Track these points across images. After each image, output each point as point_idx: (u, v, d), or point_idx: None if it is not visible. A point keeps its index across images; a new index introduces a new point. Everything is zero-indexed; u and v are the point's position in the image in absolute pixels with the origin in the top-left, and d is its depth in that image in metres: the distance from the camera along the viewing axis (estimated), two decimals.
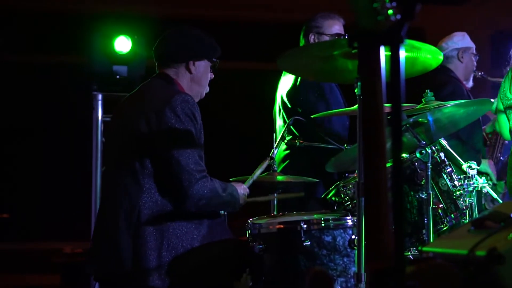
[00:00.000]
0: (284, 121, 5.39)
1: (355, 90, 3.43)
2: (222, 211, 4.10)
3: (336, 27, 5.57)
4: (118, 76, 7.67)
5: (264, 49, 8.46)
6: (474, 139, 6.04)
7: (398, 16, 2.01)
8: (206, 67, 4.26)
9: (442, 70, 6.18)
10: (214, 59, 4.29)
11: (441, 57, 3.75)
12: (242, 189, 4.16)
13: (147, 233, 3.82)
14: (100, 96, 7.88)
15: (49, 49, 11.22)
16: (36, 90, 11.49)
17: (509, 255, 2.28)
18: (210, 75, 4.32)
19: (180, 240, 3.86)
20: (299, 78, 5.38)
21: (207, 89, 4.33)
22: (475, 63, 6.53)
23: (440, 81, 5.99)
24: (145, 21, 8.87)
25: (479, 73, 6.64)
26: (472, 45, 6.55)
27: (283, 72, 5.62)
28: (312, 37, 5.54)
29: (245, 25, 11.35)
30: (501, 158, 6.48)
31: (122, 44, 7.65)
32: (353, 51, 3.47)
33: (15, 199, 11.68)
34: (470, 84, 6.55)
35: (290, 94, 5.47)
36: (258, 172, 4.40)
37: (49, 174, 11.53)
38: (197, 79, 4.23)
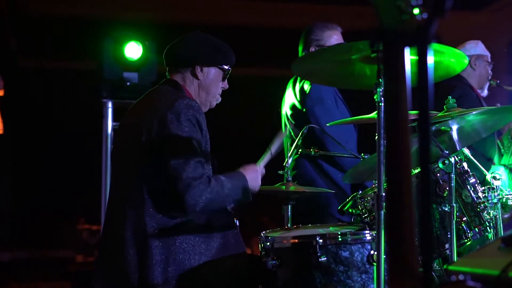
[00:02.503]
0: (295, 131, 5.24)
1: (374, 97, 3.23)
2: (230, 206, 3.89)
3: (335, 37, 5.48)
4: (128, 83, 7.62)
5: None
6: (485, 147, 5.85)
7: (425, 15, 1.83)
8: (216, 74, 4.07)
9: (455, 76, 6.01)
10: (226, 67, 4.09)
11: (466, 61, 3.56)
12: (252, 172, 3.93)
13: (153, 247, 3.65)
14: (110, 104, 7.79)
15: (59, 54, 11.15)
16: (45, 95, 11.41)
17: None
18: (223, 85, 4.13)
19: (187, 255, 3.68)
20: (308, 90, 5.24)
21: (218, 99, 4.14)
22: (490, 71, 6.34)
23: (449, 86, 5.80)
24: (156, 27, 8.76)
25: (496, 82, 6.44)
26: (486, 53, 6.36)
27: (290, 81, 5.49)
28: (313, 49, 5.42)
29: (262, 31, 11.25)
30: None
31: (133, 50, 7.59)
32: (372, 55, 3.29)
33: (26, 206, 11.62)
34: (485, 92, 6.37)
35: (296, 107, 5.38)
36: (273, 147, 4.16)
37: (59, 181, 11.45)
38: (205, 86, 4.05)
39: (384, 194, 3.12)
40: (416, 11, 1.84)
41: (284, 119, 5.54)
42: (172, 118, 3.71)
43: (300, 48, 5.54)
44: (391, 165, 1.90)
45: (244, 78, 8.80)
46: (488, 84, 6.37)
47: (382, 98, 3.16)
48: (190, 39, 4.11)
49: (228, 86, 4.14)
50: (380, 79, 3.16)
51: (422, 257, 1.80)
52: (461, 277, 2.03)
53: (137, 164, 3.77)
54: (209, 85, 4.05)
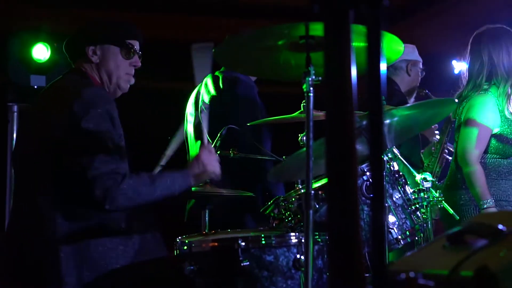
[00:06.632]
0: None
1: (303, 86, 2.98)
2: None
3: None
4: (36, 86, 7.27)
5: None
6: (412, 153, 5.66)
7: None
8: (114, 53, 3.71)
9: (387, 81, 5.79)
10: (126, 42, 3.75)
11: (402, 48, 3.34)
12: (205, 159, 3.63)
13: (65, 251, 3.28)
14: (15, 108, 7.44)
15: None
16: None
17: (504, 275, 1.86)
18: (133, 63, 3.79)
19: (103, 258, 3.32)
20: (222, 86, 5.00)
21: (128, 80, 3.78)
22: (420, 78, 6.15)
23: (387, 92, 5.59)
24: (65, 28, 8.41)
25: (424, 91, 6.25)
26: (420, 59, 6.16)
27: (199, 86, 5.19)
28: None
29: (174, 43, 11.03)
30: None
31: (40, 52, 7.26)
32: (300, 41, 3.04)
33: None
34: (411, 100, 6.16)
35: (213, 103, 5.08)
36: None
37: None
38: (104, 67, 3.69)
39: (313, 192, 2.89)
40: None
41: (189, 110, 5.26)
42: (79, 110, 3.36)
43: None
44: (335, 165, 1.61)
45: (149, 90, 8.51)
46: (416, 92, 6.17)
47: (311, 88, 2.94)
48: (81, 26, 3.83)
49: (140, 64, 3.80)
50: (309, 68, 2.93)
51: (373, 257, 1.56)
52: (411, 274, 1.79)
53: (44, 162, 3.42)
54: (108, 66, 3.70)
